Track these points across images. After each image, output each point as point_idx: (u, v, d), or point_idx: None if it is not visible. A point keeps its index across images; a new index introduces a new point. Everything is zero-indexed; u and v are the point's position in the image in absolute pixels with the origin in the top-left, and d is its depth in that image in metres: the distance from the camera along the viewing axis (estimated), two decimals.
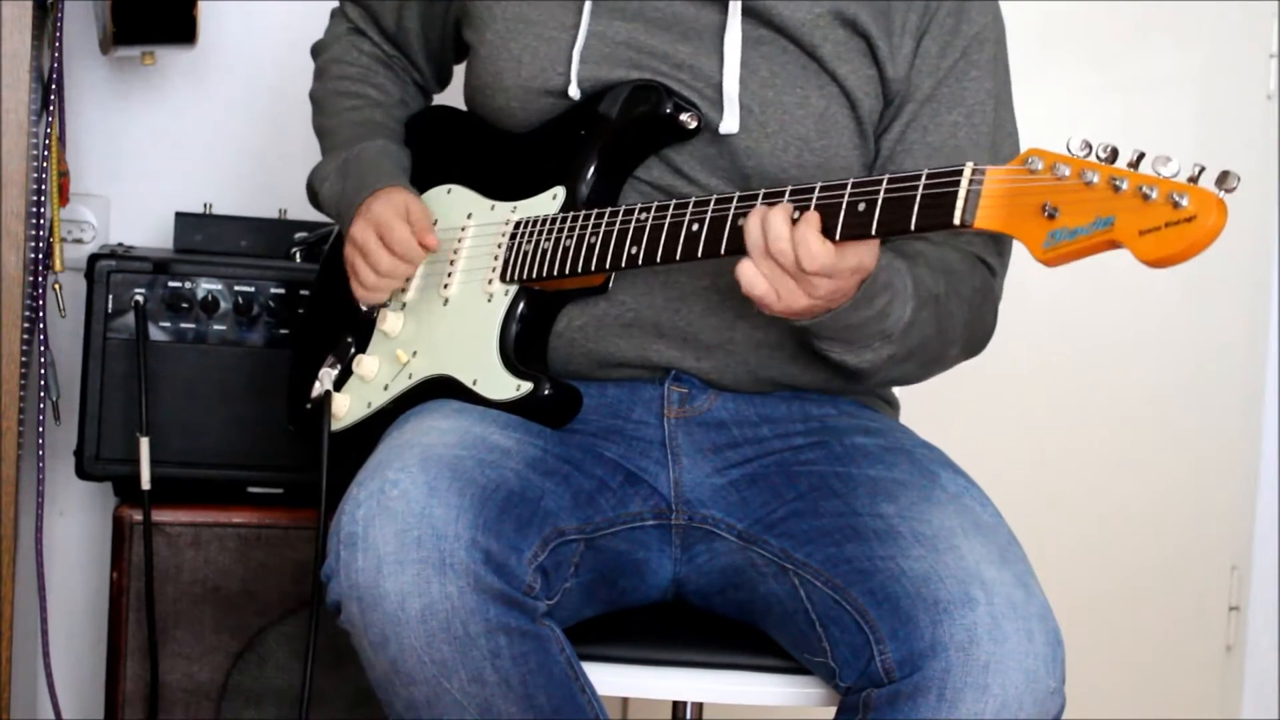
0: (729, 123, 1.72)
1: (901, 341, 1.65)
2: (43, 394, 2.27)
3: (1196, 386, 3.01)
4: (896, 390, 1.91)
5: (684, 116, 1.73)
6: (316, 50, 2.08)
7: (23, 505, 2.19)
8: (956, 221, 1.43)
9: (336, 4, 2.08)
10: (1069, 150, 1.38)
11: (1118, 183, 1.33)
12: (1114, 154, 1.35)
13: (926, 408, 2.12)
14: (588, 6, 1.77)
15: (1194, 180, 1.31)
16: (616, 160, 1.76)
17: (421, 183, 1.90)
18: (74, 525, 2.62)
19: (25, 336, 2.13)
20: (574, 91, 1.77)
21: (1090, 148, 1.37)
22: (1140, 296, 2.98)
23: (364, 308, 1.89)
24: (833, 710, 1.62)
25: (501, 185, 1.83)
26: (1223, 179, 1.29)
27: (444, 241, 1.84)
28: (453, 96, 2.01)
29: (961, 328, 1.73)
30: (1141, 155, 1.34)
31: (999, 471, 1.95)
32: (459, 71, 2.00)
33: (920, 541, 1.58)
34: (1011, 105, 1.82)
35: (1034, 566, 1.59)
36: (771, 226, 1.53)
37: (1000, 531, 1.61)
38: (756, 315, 1.74)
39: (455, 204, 1.86)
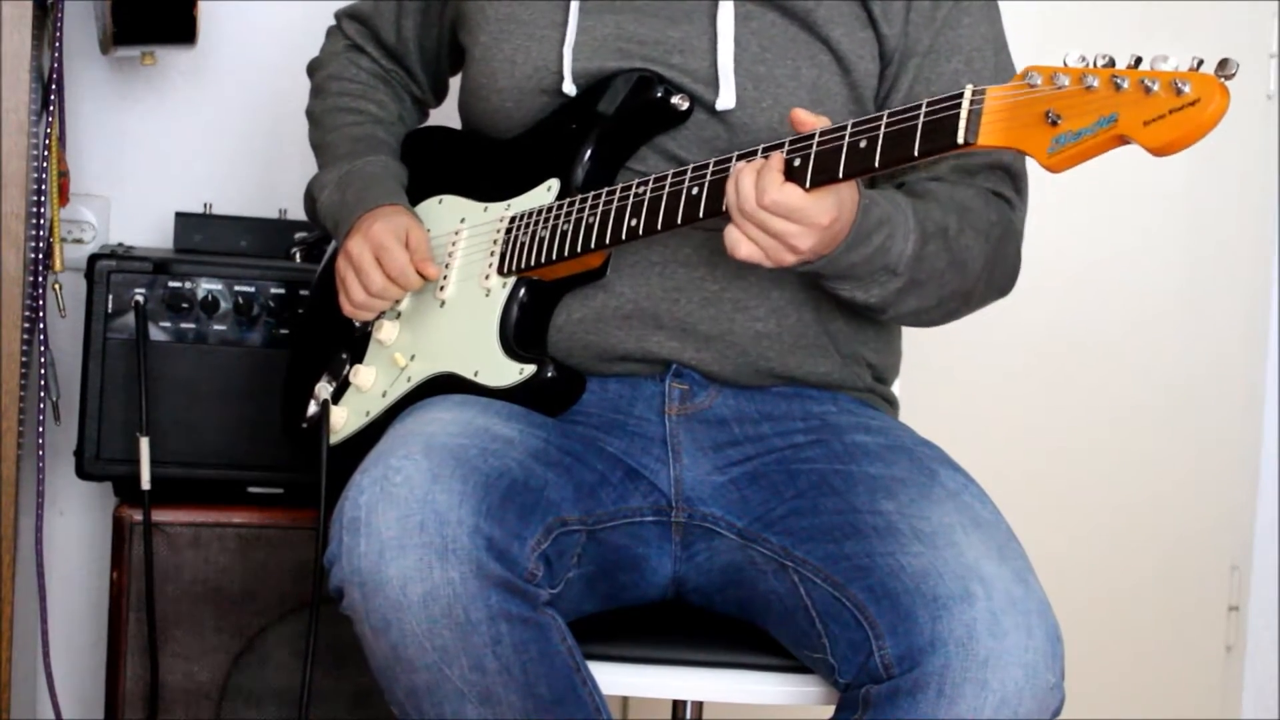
0: (725, 98, 1.73)
1: (910, 274, 1.66)
2: (43, 394, 2.27)
3: (1196, 386, 3.01)
4: (895, 386, 1.91)
5: (675, 99, 1.74)
6: (313, 68, 2.08)
7: (23, 505, 2.19)
8: (960, 141, 1.44)
9: (333, 21, 2.08)
10: (1065, 63, 1.40)
11: (1119, 81, 1.35)
12: (1111, 61, 1.38)
13: (926, 406, 2.12)
14: (574, 3, 1.78)
15: (1194, 70, 1.34)
16: (611, 148, 1.76)
17: (413, 199, 1.90)
18: (74, 525, 2.62)
19: (25, 336, 2.14)
20: (569, 88, 1.77)
21: (1086, 59, 1.39)
22: (1141, 296, 2.98)
23: (358, 325, 1.89)
24: (832, 709, 1.63)
25: (494, 187, 1.84)
26: (1222, 65, 1.32)
27: (438, 248, 1.84)
28: (449, 113, 2.01)
29: (982, 261, 1.74)
30: (1139, 59, 1.36)
31: (998, 470, 1.95)
32: (454, 87, 2.00)
33: (919, 538, 1.58)
34: (1009, 52, 1.83)
35: (1033, 566, 1.59)
36: (743, 183, 1.55)
37: (999, 528, 1.61)
38: (756, 306, 1.74)
39: (447, 212, 1.87)
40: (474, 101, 1.86)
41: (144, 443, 2.23)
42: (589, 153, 1.76)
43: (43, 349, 2.27)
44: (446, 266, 1.83)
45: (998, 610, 1.51)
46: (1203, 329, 3.01)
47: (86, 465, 2.26)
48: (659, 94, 1.74)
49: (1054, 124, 1.39)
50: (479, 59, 1.84)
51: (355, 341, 1.90)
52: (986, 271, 1.75)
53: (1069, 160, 1.39)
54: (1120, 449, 2.99)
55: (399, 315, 1.86)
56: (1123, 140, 1.36)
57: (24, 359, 2.13)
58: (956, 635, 1.50)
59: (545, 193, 1.77)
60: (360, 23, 2.03)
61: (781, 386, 1.79)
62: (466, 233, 1.83)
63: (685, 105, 1.74)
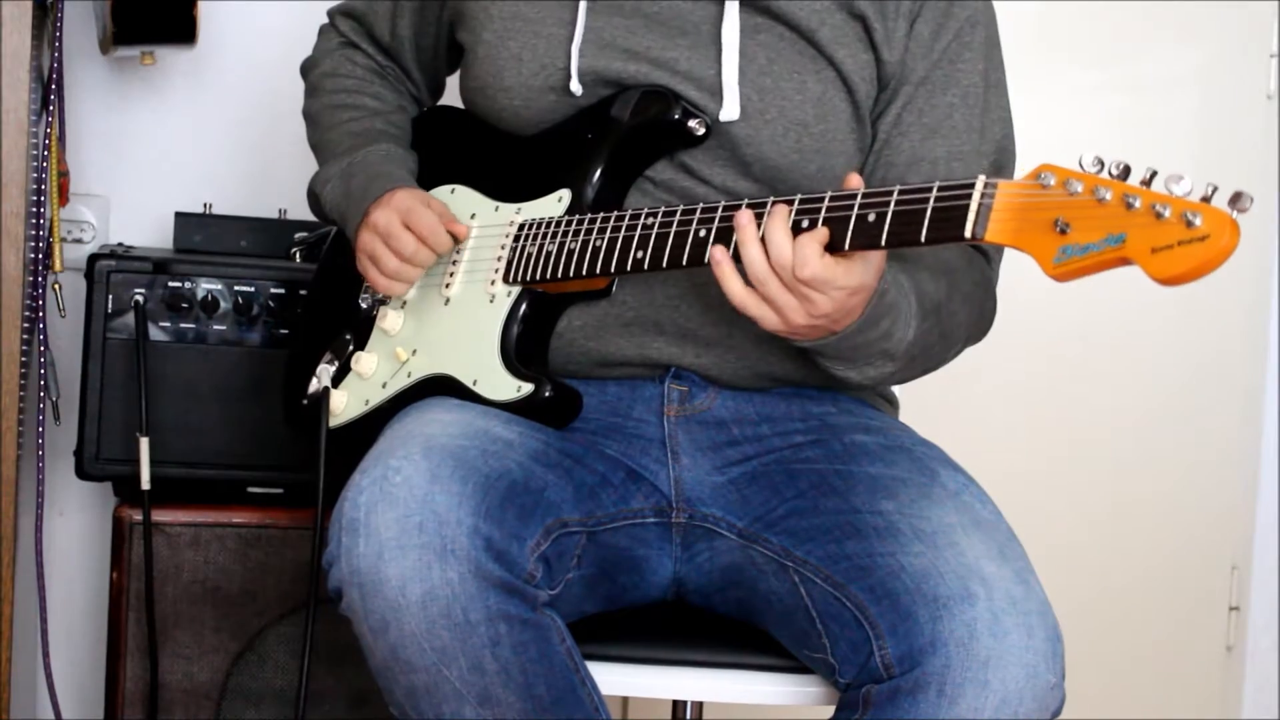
0: (729, 110, 1.73)
1: (903, 359, 1.66)
2: (43, 394, 2.27)
3: (1196, 386, 3.01)
4: (896, 388, 1.91)
5: (692, 123, 1.73)
6: (307, 67, 2.07)
7: (23, 505, 2.19)
8: (967, 235, 1.43)
9: (326, 20, 2.08)
10: (1081, 166, 1.38)
11: (1131, 200, 1.33)
12: (1126, 171, 1.36)
13: (926, 406, 2.12)
14: (583, 4, 1.77)
15: (1207, 200, 1.32)
16: (623, 164, 1.76)
17: (425, 184, 1.89)
18: (74, 525, 2.62)
19: (25, 336, 2.14)
20: (575, 87, 1.77)
21: (1103, 164, 1.37)
22: (1140, 296, 2.94)
23: (364, 307, 1.89)
24: (833, 709, 1.62)
25: (506, 187, 1.83)
26: (1236, 199, 1.30)
27: None
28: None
29: (966, 325, 1.75)
30: (1154, 173, 1.35)
31: (998, 470, 1.95)
32: (451, 85, 2.00)
33: (920, 538, 1.58)
34: (1004, 89, 1.82)
35: (1033, 566, 1.59)
36: (778, 243, 1.52)
37: (999, 528, 1.61)
38: None
39: (459, 204, 1.86)
40: (481, 100, 1.85)
41: (144, 443, 2.23)
42: (601, 169, 1.75)
43: (43, 349, 2.27)
44: (454, 263, 1.82)
45: (998, 610, 1.50)
46: (1203, 329, 3.01)
47: (86, 465, 2.26)
48: (676, 115, 1.73)
49: (1063, 233, 1.36)
50: (483, 57, 1.83)
51: (360, 324, 1.89)
52: (966, 334, 1.77)
53: (1074, 273, 1.37)
54: (1120, 449, 2.99)
55: (404, 305, 1.85)
56: (1128, 262, 1.34)
57: (24, 359, 2.13)
58: (957, 635, 1.50)
59: (556, 203, 1.77)
60: (354, 20, 2.03)
61: (781, 388, 1.79)
62: (476, 230, 1.83)
63: (702, 131, 1.73)
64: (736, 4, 1.74)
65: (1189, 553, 3.02)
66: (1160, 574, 3.01)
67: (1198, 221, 1.30)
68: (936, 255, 1.73)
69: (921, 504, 1.62)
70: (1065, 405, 2.97)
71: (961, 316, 1.73)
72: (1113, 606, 2.98)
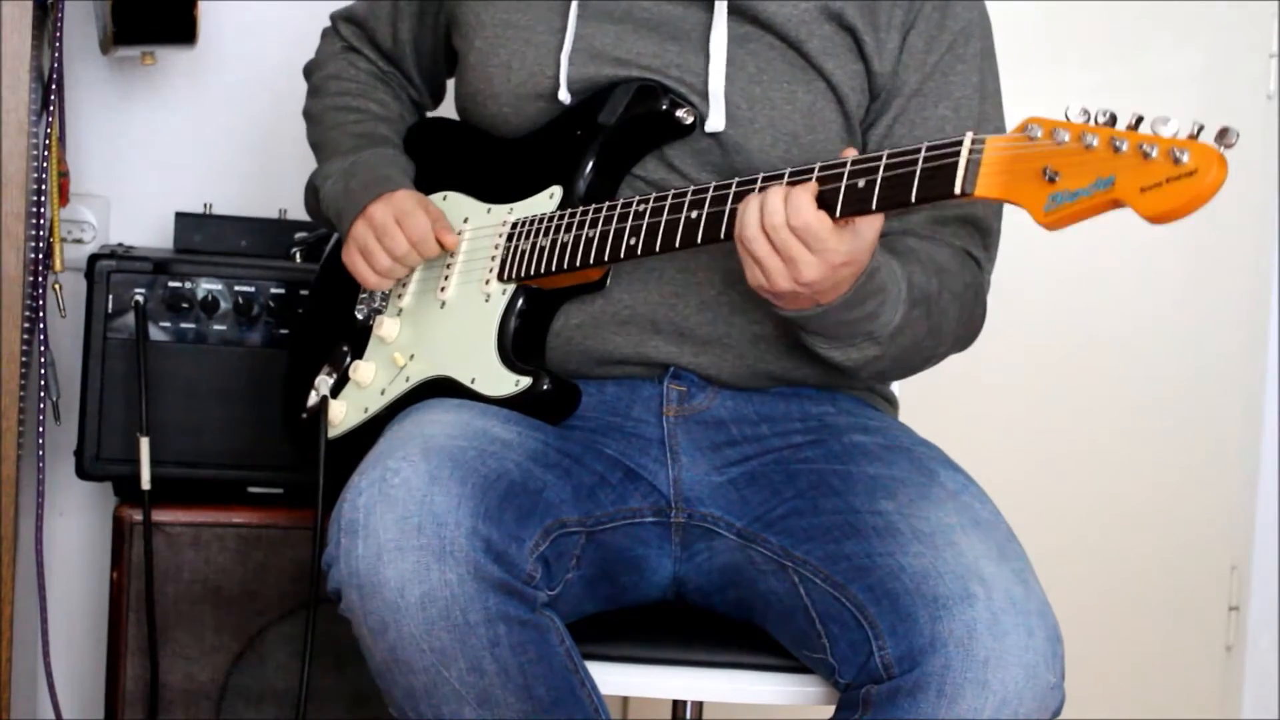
0: (715, 120, 1.73)
1: (888, 345, 1.66)
2: (43, 394, 2.27)
3: (1196, 386, 3.01)
4: (895, 387, 1.91)
5: (680, 113, 1.73)
6: (310, 69, 2.07)
7: (23, 505, 2.19)
8: (957, 191, 1.43)
9: (329, 23, 2.08)
10: (1067, 117, 1.38)
11: (1118, 143, 1.34)
12: (1113, 118, 1.36)
13: (925, 405, 2.12)
14: (574, 9, 1.78)
15: (1194, 137, 1.32)
16: (614, 158, 1.76)
17: (418, 190, 1.89)
18: (74, 525, 2.62)
19: (25, 336, 2.13)
20: (564, 95, 1.77)
21: (1089, 114, 1.38)
22: (1140, 296, 2.98)
23: (359, 318, 1.89)
24: (832, 709, 1.62)
25: (498, 189, 1.83)
26: (1222, 134, 1.31)
27: None
28: (446, 113, 2.01)
29: (954, 324, 1.74)
30: (1140, 118, 1.35)
31: (998, 470, 1.95)
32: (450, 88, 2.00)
33: (919, 538, 1.58)
34: (999, 100, 1.82)
35: (1033, 566, 1.59)
36: (771, 202, 1.53)
37: (999, 528, 1.61)
38: (753, 309, 1.74)
39: (451, 209, 1.86)
40: (472, 107, 1.85)
41: (144, 443, 2.23)
42: (591, 163, 1.75)
43: (43, 349, 2.27)
44: (448, 266, 1.83)
45: (998, 610, 1.50)
46: (1203, 329, 3.01)
47: (86, 465, 2.26)
48: (664, 106, 1.74)
49: (1051, 181, 1.37)
50: (474, 64, 1.83)
51: (356, 335, 1.89)
52: (956, 333, 1.76)
53: (1064, 220, 1.37)
54: (1120, 449, 2.99)
55: (400, 312, 1.86)
56: (1119, 204, 1.35)
57: (24, 359, 2.13)
58: (957, 635, 1.50)
59: (547, 200, 1.77)
60: (356, 25, 2.03)
61: (780, 387, 1.79)
62: (469, 233, 1.83)
63: (690, 120, 1.73)
64: (725, 11, 1.74)
65: (1189, 552, 3.02)
66: (1160, 574, 3.01)
67: (1185, 158, 1.31)
68: (931, 253, 1.73)
69: (921, 504, 1.62)
70: (1065, 405, 2.97)
71: (951, 314, 1.73)
72: (1113, 607, 2.98)
